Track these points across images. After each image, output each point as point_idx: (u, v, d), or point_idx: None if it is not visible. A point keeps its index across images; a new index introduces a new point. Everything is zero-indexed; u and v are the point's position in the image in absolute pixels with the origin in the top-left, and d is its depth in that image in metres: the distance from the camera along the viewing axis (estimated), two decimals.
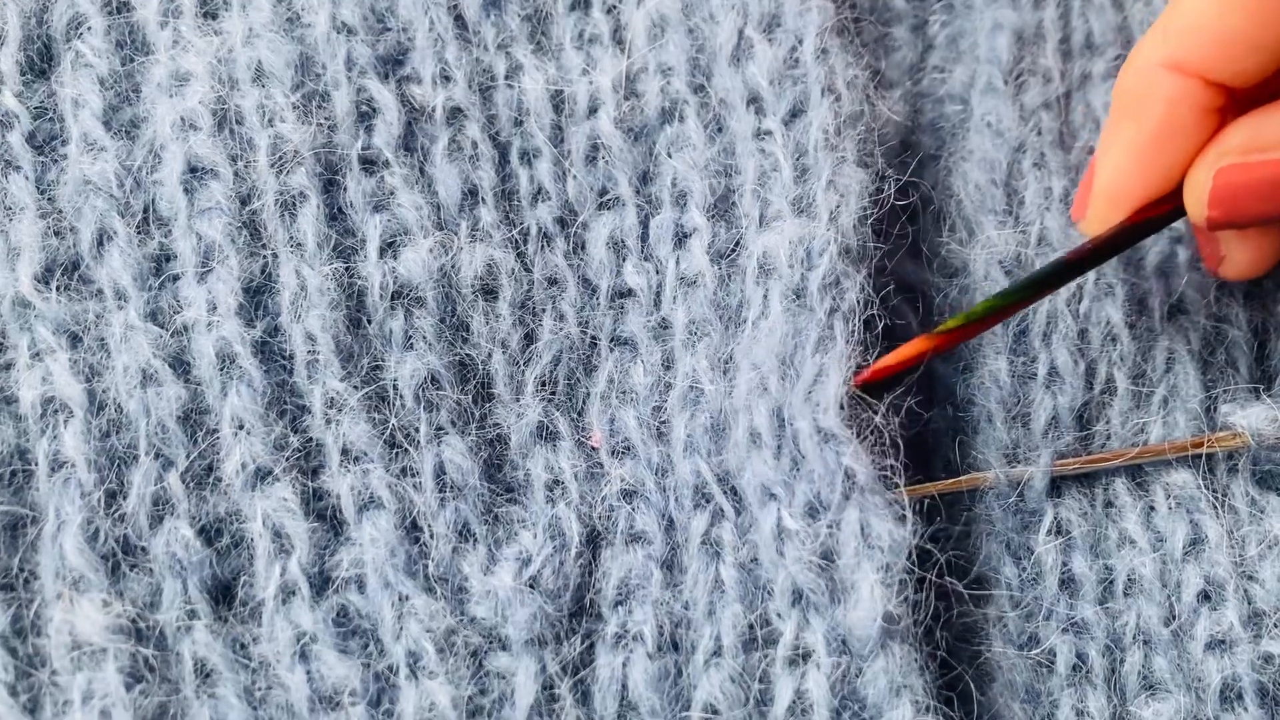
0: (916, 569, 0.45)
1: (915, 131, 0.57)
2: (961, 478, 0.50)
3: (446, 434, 0.47)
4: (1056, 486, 0.50)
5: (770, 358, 0.47)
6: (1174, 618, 0.48)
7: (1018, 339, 0.52)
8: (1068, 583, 0.49)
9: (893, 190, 0.51)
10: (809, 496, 0.45)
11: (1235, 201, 0.44)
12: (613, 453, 0.48)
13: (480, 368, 0.49)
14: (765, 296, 0.49)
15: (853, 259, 0.49)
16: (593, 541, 0.47)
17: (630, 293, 0.51)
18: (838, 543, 0.45)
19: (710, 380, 0.48)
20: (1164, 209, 0.47)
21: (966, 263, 0.54)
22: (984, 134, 0.56)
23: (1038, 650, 0.48)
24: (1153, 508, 0.50)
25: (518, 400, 0.49)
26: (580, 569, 0.47)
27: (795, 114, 0.51)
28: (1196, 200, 0.45)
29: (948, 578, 0.47)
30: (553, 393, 0.49)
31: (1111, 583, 0.49)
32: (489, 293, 0.50)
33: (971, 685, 0.48)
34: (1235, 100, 0.46)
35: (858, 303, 0.48)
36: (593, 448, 0.49)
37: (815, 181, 0.50)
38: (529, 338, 0.50)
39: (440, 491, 0.46)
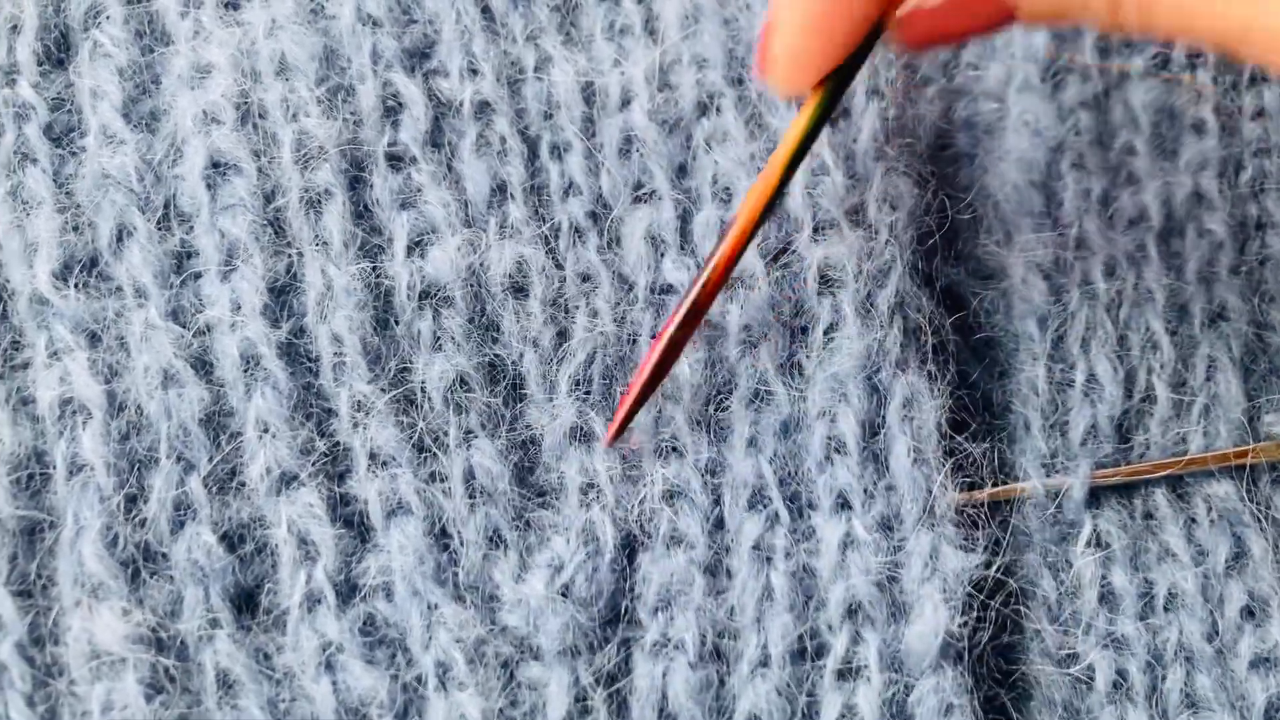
0: (979, 594, 0.45)
1: (950, 129, 0.56)
2: (998, 488, 0.49)
3: (476, 437, 0.46)
4: (1095, 497, 0.49)
5: (852, 370, 0.47)
6: (1217, 634, 0.47)
7: (1056, 345, 0.51)
8: (1107, 597, 0.48)
9: (934, 198, 0.51)
10: (885, 511, 0.45)
11: (928, 24, 0.43)
12: (656, 452, 0.47)
13: (510, 368, 0.48)
14: (836, 308, 0.48)
15: (919, 279, 0.49)
16: (629, 545, 0.46)
17: (670, 288, 0.49)
18: (904, 561, 0.45)
19: (781, 383, 0.47)
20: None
21: (1004, 266, 0.52)
22: (1021, 133, 0.54)
23: (1077, 666, 0.47)
24: (1194, 520, 0.49)
25: (551, 401, 0.47)
26: (615, 575, 0.45)
27: (841, 112, 0.50)
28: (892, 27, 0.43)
29: (994, 601, 0.47)
30: (587, 392, 0.48)
31: (1152, 597, 0.48)
32: (519, 291, 0.48)
33: (1008, 704, 0.47)
34: None
35: (926, 321, 0.48)
36: (631, 450, 0.47)
37: (867, 190, 0.49)
38: (561, 335, 0.48)
39: (470, 497, 0.45)
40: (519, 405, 0.48)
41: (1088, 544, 0.49)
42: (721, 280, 0.45)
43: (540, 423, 0.47)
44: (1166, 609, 0.48)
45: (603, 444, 0.47)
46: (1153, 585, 0.48)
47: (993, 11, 0.41)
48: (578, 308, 0.49)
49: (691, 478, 0.46)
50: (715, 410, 0.48)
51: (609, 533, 0.45)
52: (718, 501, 0.47)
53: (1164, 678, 0.47)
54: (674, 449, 0.47)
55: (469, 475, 0.46)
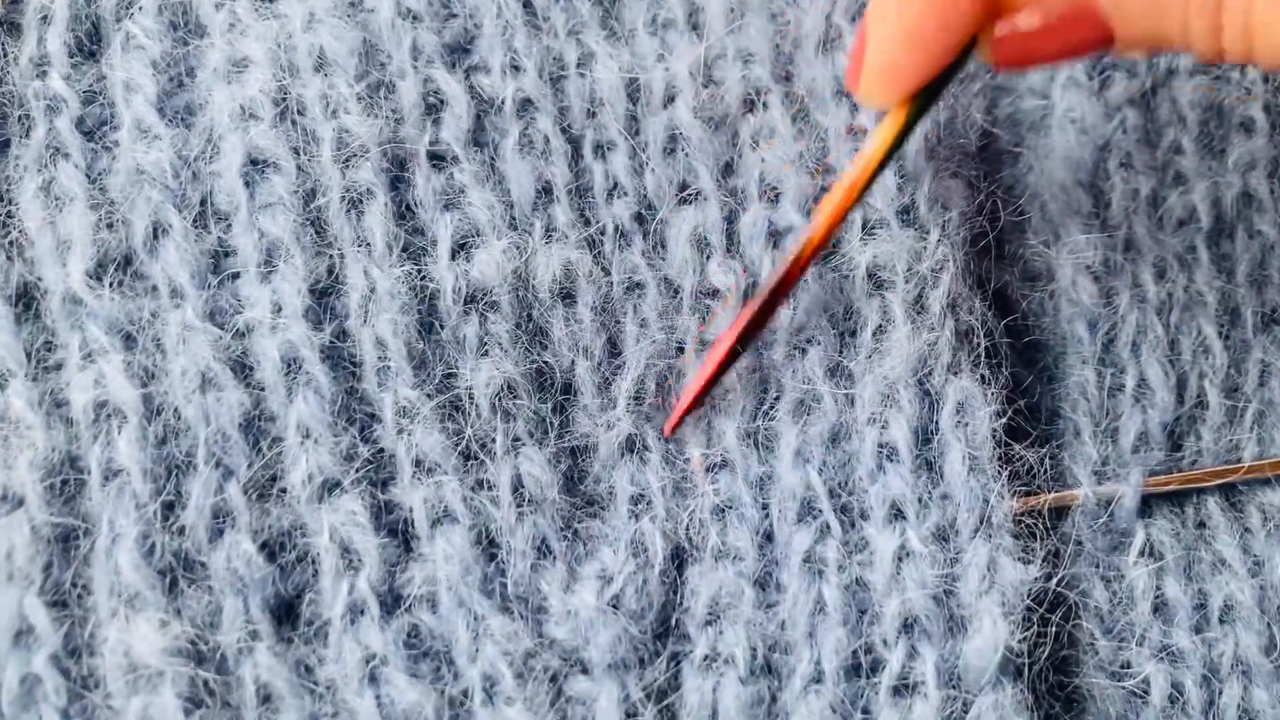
0: (1039, 608, 0.45)
1: (994, 126, 0.55)
2: (1048, 495, 0.48)
3: (524, 445, 0.45)
4: (1147, 506, 0.49)
5: (904, 373, 0.46)
6: (1275, 648, 0.47)
7: (1106, 349, 0.50)
8: (1161, 608, 0.48)
9: (986, 199, 0.50)
10: (941, 521, 0.44)
11: (1023, 45, 0.42)
12: (707, 469, 0.46)
13: (559, 376, 0.47)
14: (885, 309, 0.47)
15: (971, 280, 0.48)
16: (678, 558, 0.45)
17: (715, 293, 0.48)
18: (961, 574, 0.44)
19: (829, 389, 0.46)
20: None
21: (1052, 267, 0.52)
22: (1067, 131, 0.54)
23: (1132, 680, 0.46)
24: (1248, 530, 0.49)
25: (604, 411, 0.47)
26: (665, 587, 0.44)
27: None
28: (986, 47, 0.42)
29: (1055, 615, 0.46)
30: (638, 400, 0.47)
31: (1207, 609, 0.47)
32: (567, 297, 0.47)
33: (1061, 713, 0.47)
34: None
35: (979, 324, 0.47)
36: (694, 470, 0.46)
37: (919, 190, 0.48)
38: (612, 343, 0.47)
39: (518, 506, 0.44)
40: (567, 413, 0.47)
41: (1140, 553, 0.48)
42: (797, 277, 0.45)
43: (591, 432, 0.46)
44: (1222, 621, 0.47)
45: (665, 431, 0.46)
46: (1207, 597, 0.47)
47: (1089, 36, 0.41)
48: (626, 314, 0.48)
49: (742, 492, 0.46)
50: (764, 421, 0.47)
51: (659, 544, 0.44)
52: (768, 514, 0.46)
53: (1220, 692, 0.46)
54: (724, 463, 0.46)
55: (517, 484, 0.45)
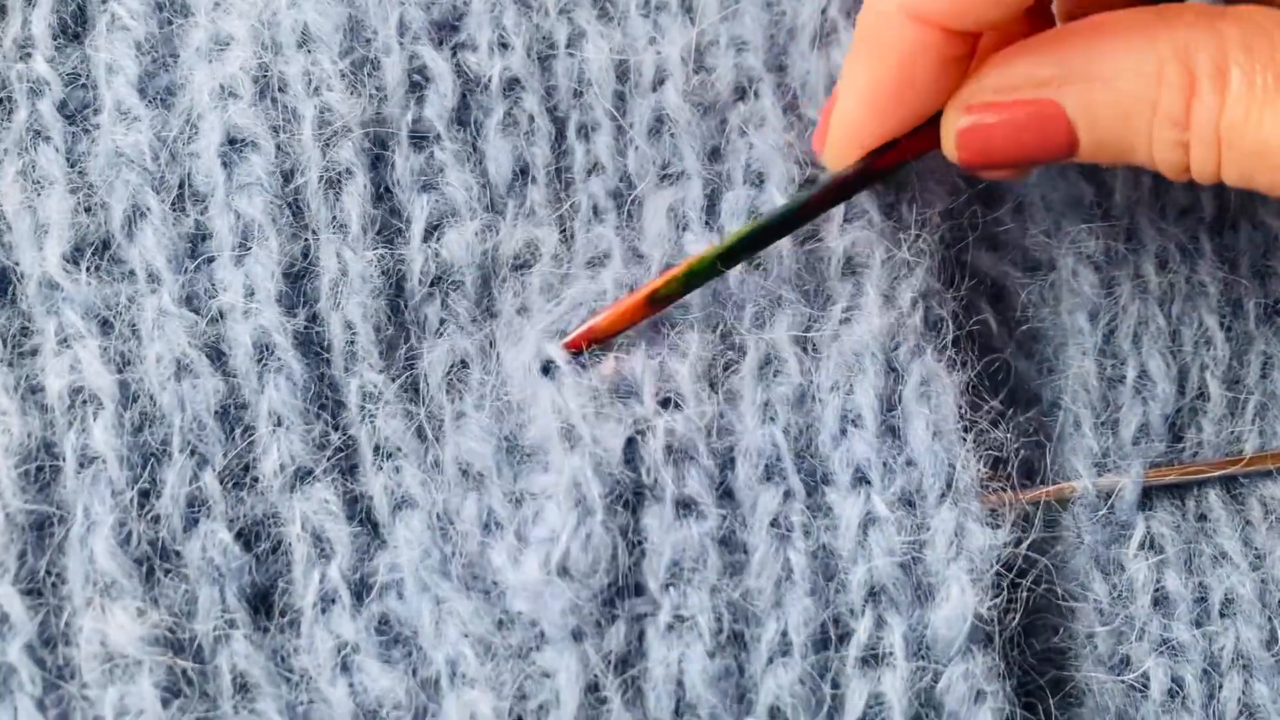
0: (1008, 574, 0.44)
1: None
2: (1048, 487, 0.48)
3: (465, 418, 0.44)
4: (1148, 498, 0.48)
5: (870, 345, 0.45)
6: (1275, 641, 0.46)
7: (1107, 340, 0.49)
8: (1161, 601, 0.47)
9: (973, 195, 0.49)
10: (906, 487, 0.44)
11: (981, 144, 0.42)
12: (661, 401, 0.44)
13: (499, 339, 0.46)
14: (857, 290, 0.46)
15: (946, 277, 0.48)
16: (629, 504, 0.43)
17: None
18: (928, 540, 0.43)
19: (794, 353, 0.45)
20: (910, 147, 0.44)
21: (1052, 258, 0.51)
22: None
23: (1131, 674, 0.45)
24: (1249, 523, 0.48)
25: (517, 345, 0.45)
26: (610, 535, 0.42)
27: None
28: (949, 141, 0.43)
29: (1023, 582, 0.46)
30: (561, 333, 0.45)
31: (1207, 602, 0.47)
32: (523, 268, 0.46)
33: (1053, 707, 0.46)
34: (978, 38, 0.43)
35: (949, 318, 0.47)
36: (606, 378, 0.44)
37: (903, 183, 0.48)
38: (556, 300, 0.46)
39: (463, 481, 0.44)
40: (502, 371, 0.45)
41: (1140, 546, 0.47)
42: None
43: (514, 373, 0.45)
44: (1223, 615, 0.47)
45: (564, 342, 0.45)
46: (1208, 590, 0.47)
47: (1051, 140, 0.42)
48: (579, 277, 0.47)
49: (696, 438, 0.44)
50: (724, 375, 0.45)
51: (594, 486, 0.42)
52: (727, 468, 0.44)
53: (1221, 686, 0.46)
54: (676, 403, 0.44)
55: (459, 459, 0.44)
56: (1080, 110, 0.41)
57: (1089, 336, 0.49)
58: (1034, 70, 0.41)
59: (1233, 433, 0.49)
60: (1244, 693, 0.45)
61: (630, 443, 0.43)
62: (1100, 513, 0.47)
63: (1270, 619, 0.46)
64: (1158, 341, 0.49)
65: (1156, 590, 0.47)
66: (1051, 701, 0.46)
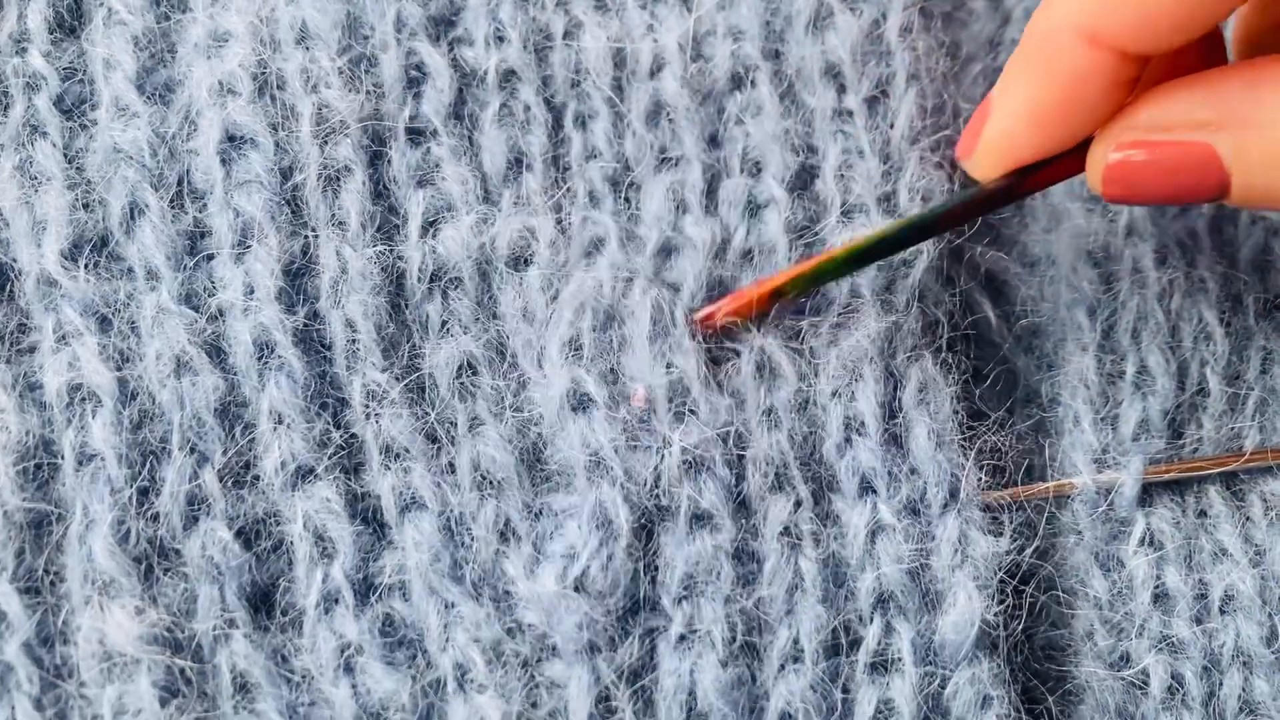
0: (1011, 580, 0.44)
1: None
2: (1047, 483, 0.48)
3: (483, 424, 0.44)
4: (1148, 494, 0.48)
5: (868, 349, 0.45)
6: (1276, 638, 0.46)
7: (1106, 335, 0.49)
8: (1161, 598, 0.47)
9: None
10: (911, 495, 0.44)
11: (1132, 181, 0.42)
12: (674, 415, 0.44)
13: (509, 343, 0.46)
14: (853, 291, 0.46)
15: (944, 277, 0.48)
16: (647, 527, 0.44)
17: (690, 241, 0.47)
18: (933, 548, 0.44)
19: (788, 357, 0.45)
20: (1057, 170, 0.44)
21: (1051, 253, 0.51)
22: None
23: (1130, 670, 0.45)
24: (1250, 519, 0.48)
25: (542, 369, 0.45)
26: (632, 560, 0.43)
27: (878, 96, 0.49)
28: (1095, 174, 0.43)
29: (1026, 588, 0.46)
30: (578, 350, 0.45)
31: (1207, 599, 0.47)
32: (522, 262, 0.46)
33: (1053, 705, 0.46)
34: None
35: (945, 318, 0.47)
36: (638, 407, 0.44)
37: (900, 179, 0.48)
38: (555, 299, 0.46)
39: (478, 489, 0.43)
40: (521, 383, 0.45)
41: (1140, 543, 0.47)
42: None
43: (539, 397, 0.45)
44: (1223, 611, 0.46)
45: (697, 320, 0.45)
46: (1208, 586, 0.47)
47: (1203, 183, 0.41)
48: (576, 269, 0.46)
49: (713, 447, 0.44)
50: (728, 377, 0.45)
51: (622, 515, 0.43)
52: (741, 478, 0.44)
53: (1221, 683, 0.46)
54: (691, 412, 0.44)
55: (476, 465, 0.44)
56: (1235, 156, 0.40)
57: (1088, 332, 0.49)
58: (1190, 112, 0.41)
59: (1233, 428, 0.49)
60: (1244, 689, 0.45)
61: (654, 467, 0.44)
62: (1100, 509, 0.47)
63: (1270, 615, 0.46)
64: (1157, 337, 0.49)
65: (1156, 587, 0.46)
66: (1051, 700, 0.46)
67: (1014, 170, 0.44)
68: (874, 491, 0.44)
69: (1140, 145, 0.41)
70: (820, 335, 0.46)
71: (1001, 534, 0.45)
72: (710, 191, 0.48)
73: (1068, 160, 0.44)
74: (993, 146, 0.44)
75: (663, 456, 0.44)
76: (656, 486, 0.44)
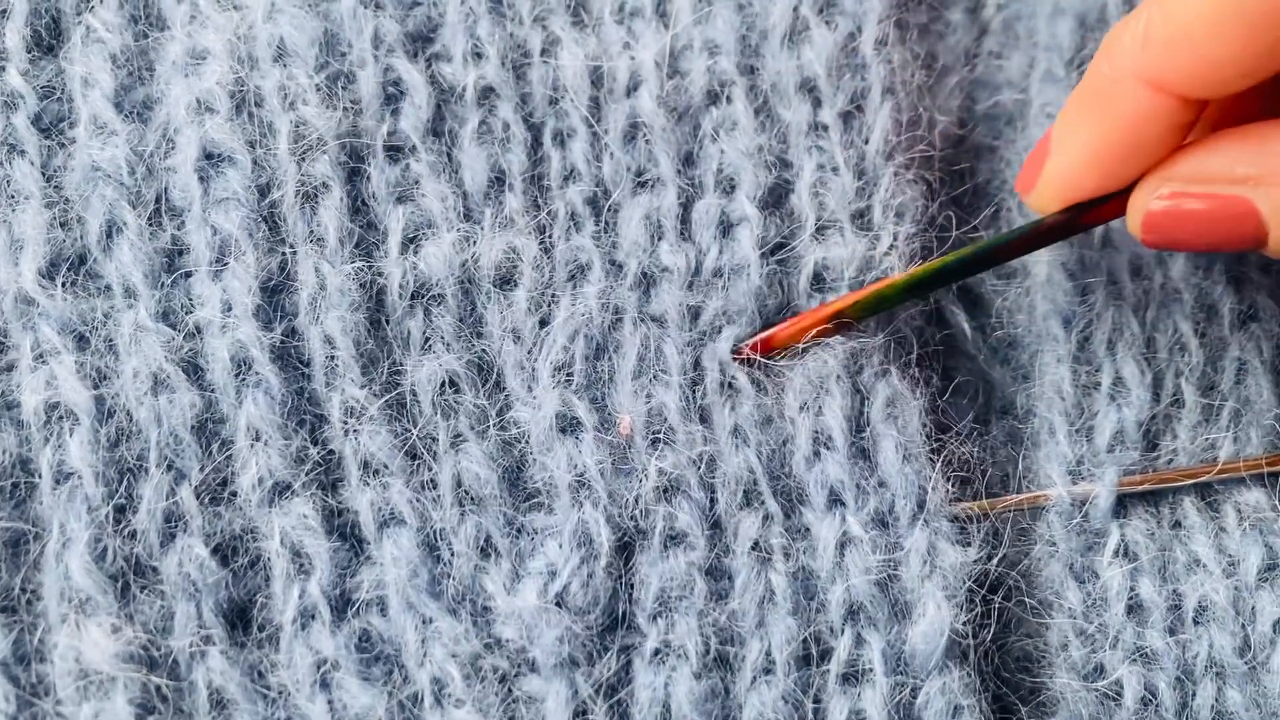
0: (980, 589, 0.45)
1: (970, 121, 0.54)
2: (1022, 495, 0.48)
3: (465, 441, 0.44)
4: (1122, 505, 0.48)
5: (834, 367, 0.46)
6: (1249, 648, 0.46)
7: (1081, 346, 0.49)
8: (1135, 609, 0.47)
9: (939, 210, 0.50)
10: (879, 508, 0.45)
11: (1170, 230, 0.43)
12: (651, 441, 0.45)
13: (497, 365, 0.46)
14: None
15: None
16: (625, 547, 0.44)
17: (666, 270, 0.47)
18: (902, 559, 0.44)
19: (745, 375, 0.46)
20: (1114, 206, 0.45)
21: (1027, 265, 0.51)
22: (1044, 125, 0.53)
23: (1104, 681, 0.45)
24: (1224, 529, 0.48)
25: (531, 391, 0.45)
26: (611, 579, 0.44)
27: (853, 110, 0.49)
28: (1136, 221, 0.44)
29: (995, 597, 0.46)
30: (569, 376, 0.46)
31: (1181, 609, 0.47)
32: (506, 282, 0.46)
33: (1025, 716, 0.46)
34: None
35: (915, 335, 0.48)
36: (623, 436, 0.45)
37: (875, 194, 0.48)
38: (544, 324, 0.46)
39: (459, 505, 0.44)
40: (505, 401, 0.46)
41: (1115, 554, 0.47)
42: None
43: (525, 417, 0.45)
44: (1196, 622, 0.46)
45: (752, 345, 0.46)
46: (1182, 597, 0.47)
47: (1242, 233, 0.42)
48: (562, 295, 0.47)
49: (688, 471, 0.45)
50: (698, 398, 0.46)
51: (604, 534, 0.44)
52: (714, 498, 0.45)
53: (1194, 694, 0.46)
54: (668, 438, 0.45)
55: (458, 482, 0.44)
56: (1273, 211, 0.41)
57: (1063, 343, 0.49)
58: (1231, 166, 0.42)
59: (1208, 439, 0.49)
60: (1217, 700, 0.45)
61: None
62: (1075, 520, 0.47)
63: (1244, 626, 0.46)
64: (1132, 348, 0.49)
65: (1130, 598, 0.47)
66: (1024, 710, 0.46)
67: (1072, 205, 0.45)
68: (843, 504, 0.45)
69: (1180, 196, 0.42)
70: (787, 353, 0.46)
71: (970, 544, 0.45)
72: (686, 212, 0.48)
73: (1125, 197, 0.45)
74: (1053, 183, 0.45)
75: (643, 481, 0.44)
76: (636, 507, 0.44)
